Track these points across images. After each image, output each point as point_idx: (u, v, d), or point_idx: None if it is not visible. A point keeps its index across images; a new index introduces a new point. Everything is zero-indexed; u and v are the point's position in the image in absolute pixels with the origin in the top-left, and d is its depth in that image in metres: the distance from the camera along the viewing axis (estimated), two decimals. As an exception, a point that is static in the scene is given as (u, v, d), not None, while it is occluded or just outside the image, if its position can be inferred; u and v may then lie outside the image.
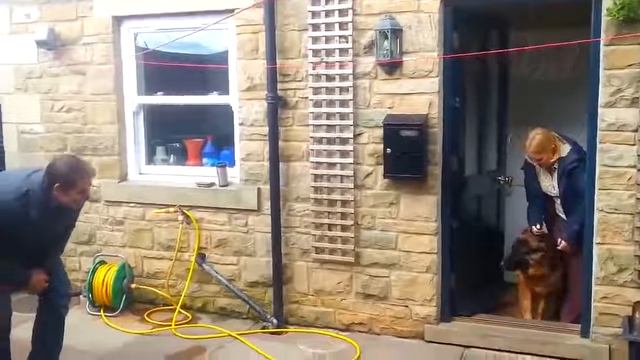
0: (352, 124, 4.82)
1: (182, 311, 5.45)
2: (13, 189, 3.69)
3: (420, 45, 4.58)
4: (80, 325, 5.19)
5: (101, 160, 5.74)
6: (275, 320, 5.11)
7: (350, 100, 4.80)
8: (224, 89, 5.40)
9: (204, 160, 5.75)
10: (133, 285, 5.65)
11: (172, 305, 5.50)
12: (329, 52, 4.82)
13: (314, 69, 4.88)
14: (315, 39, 4.84)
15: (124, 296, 5.59)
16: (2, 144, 6.23)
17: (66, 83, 5.79)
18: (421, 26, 4.56)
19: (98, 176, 5.69)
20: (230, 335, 5.03)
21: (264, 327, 5.14)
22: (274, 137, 5.02)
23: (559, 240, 4.83)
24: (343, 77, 4.81)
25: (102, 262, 5.75)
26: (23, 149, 6.05)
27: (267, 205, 5.15)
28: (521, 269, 5.10)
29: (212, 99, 5.57)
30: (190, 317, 5.42)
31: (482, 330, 4.76)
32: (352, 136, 4.84)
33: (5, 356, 4.08)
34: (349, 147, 4.86)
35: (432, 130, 4.62)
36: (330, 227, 4.99)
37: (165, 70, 5.51)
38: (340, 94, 4.83)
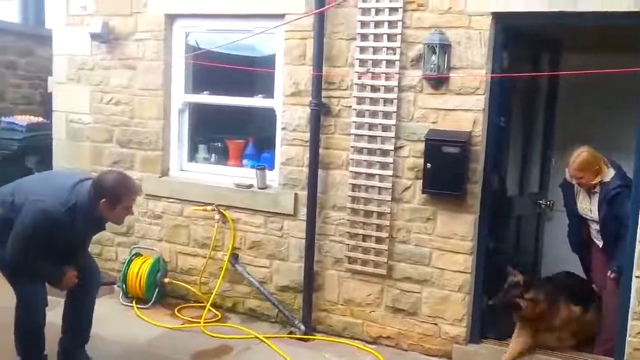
0: (393, 136, 4.81)
1: (212, 309, 5.50)
2: (62, 201, 3.81)
3: (469, 62, 4.54)
4: (112, 315, 5.28)
5: (145, 155, 5.85)
6: (303, 327, 5.12)
7: (394, 112, 4.78)
8: (268, 93, 5.44)
9: (244, 161, 5.79)
10: (166, 280, 5.73)
11: (202, 302, 5.55)
12: (376, 63, 4.81)
13: (359, 78, 4.87)
14: (362, 49, 4.84)
15: (157, 290, 5.67)
16: (50, 131, 6.40)
17: (117, 76, 5.91)
18: (470, 43, 4.52)
19: (140, 170, 5.85)
20: (257, 337, 5.06)
21: (291, 333, 5.15)
22: (314, 144, 5.04)
23: (609, 272, 4.61)
24: (388, 89, 4.79)
25: (138, 254, 5.85)
26: (71, 138, 6.20)
27: (303, 211, 5.17)
28: (513, 310, 4.69)
29: (257, 101, 5.61)
30: (220, 316, 5.47)
31: (510, 355, 4.68)
32: (393, 148, 4.82)
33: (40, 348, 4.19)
34: (389, 159, 4.84)
35: (475, 148, 4.57)
36: (364, 238, 4.98)
37: (213, 69, 5.57)
38: (384, 106, 4.82)
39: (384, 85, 4.80)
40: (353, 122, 4.94)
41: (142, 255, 5.84)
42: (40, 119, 7.08)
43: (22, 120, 6.91)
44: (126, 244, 6.00)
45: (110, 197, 3.81)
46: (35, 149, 6.76)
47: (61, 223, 3.79)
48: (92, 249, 4.82)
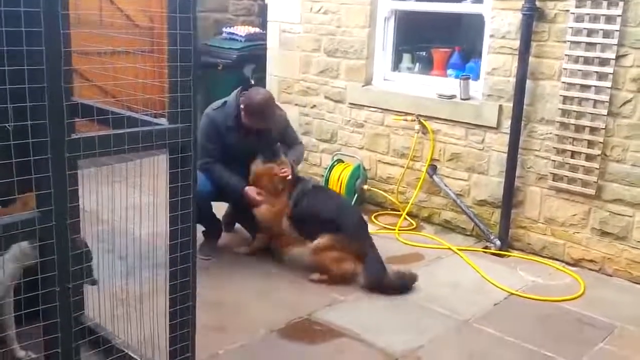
0: (616, 43, 4.32)
1: (408, 218, 5.56)
2: (218, 102, 4.57)
3: None
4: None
5: (349, 64, 5.93)
6: (498, 242, 4.98)
7: (619, 16, 4.28)
8: (478, -3, 5.17)
9: (449, 71, 5.61)
10: (365, 187, 5.87)
11: (398, 211, 5.63)
12: (602, -41, 4.32)
13: (580, -22, 4.42)
14: (586, -56, 4.36)
15: (356, 195, 5.83)
16: (265, 41, 6.73)
17: (325, -15, 5.99)
18: None
19: (345, 78, 5.96)
20: (450, 249, 5.03)
21: (485, 247, 5.04)
22: (525, 52, 4.71)
23: None
24: (614, -11, 4.30)
25: (340, 161, 6.03)
26: (283, 47, 6.46)
27: (507, 123, 4.92)
28: None
29: (465, 7, 5.36)
30: (415, 225, 5.51)
31: None
32: (614, 57, 4.35)
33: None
34: (609, 69, 4.38)
35: None
36: (573, 154, 4.63)
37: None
38: (607, 9, 4.33)
39: (610, -15, 4.31)
40: (570, 27, 4.52)
41: (343, 162, 6.01)
42: (257, 30, 7.47)
43: (241, 30, 7.34)
44: (329, 150, 6.22)
45: (245, 107, 4.40)
46: (252, 58, 7.17)
47: (219, 124, 4.41)
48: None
